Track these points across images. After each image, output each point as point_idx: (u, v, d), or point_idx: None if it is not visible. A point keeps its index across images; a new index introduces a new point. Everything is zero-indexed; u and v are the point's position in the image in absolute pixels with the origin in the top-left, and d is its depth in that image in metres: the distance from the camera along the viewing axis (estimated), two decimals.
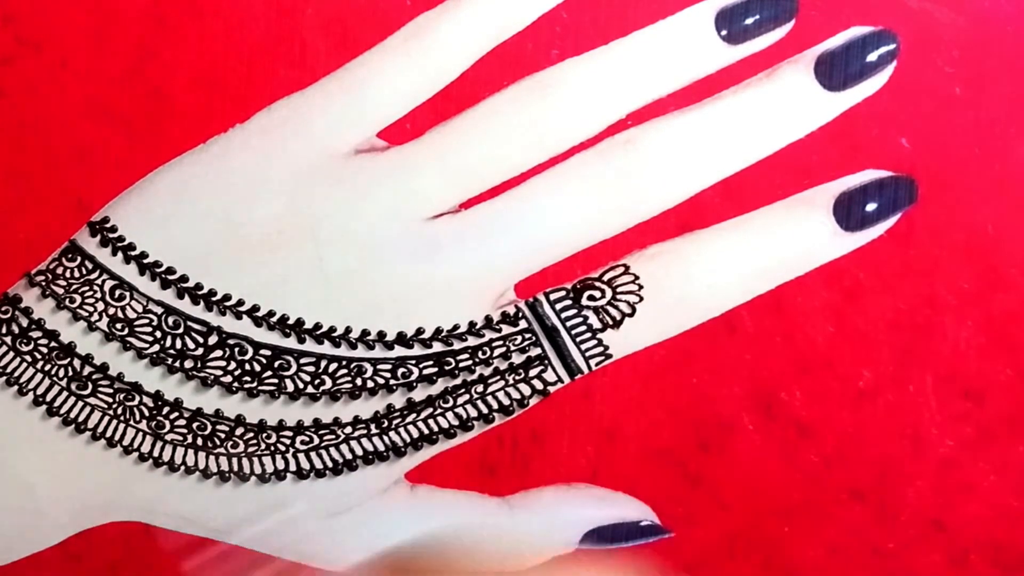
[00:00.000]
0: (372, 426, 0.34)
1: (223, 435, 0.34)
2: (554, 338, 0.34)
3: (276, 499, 0.35)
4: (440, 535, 0.35)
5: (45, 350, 0.34)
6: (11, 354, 0.34)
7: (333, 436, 0.34)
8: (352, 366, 0.34)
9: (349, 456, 0.35)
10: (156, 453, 0.34)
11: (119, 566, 0.35)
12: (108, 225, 0.34)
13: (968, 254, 0.35)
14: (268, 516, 0.35)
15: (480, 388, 0.34)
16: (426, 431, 0.35)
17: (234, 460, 0.34)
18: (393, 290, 0.34)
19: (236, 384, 0.34)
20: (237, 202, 0.34)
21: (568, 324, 0.34)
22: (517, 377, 0.34)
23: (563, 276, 0.34)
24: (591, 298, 0.34)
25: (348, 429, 0.34)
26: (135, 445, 0.34)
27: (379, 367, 0.34)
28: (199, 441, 0.34)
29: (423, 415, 0.35)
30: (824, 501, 0.35)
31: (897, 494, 0.35)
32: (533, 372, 0.34)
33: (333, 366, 0.34)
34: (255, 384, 0.34)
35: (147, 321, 0.34)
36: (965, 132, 0.35)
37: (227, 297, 0.34)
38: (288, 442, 0.34)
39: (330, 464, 0.35)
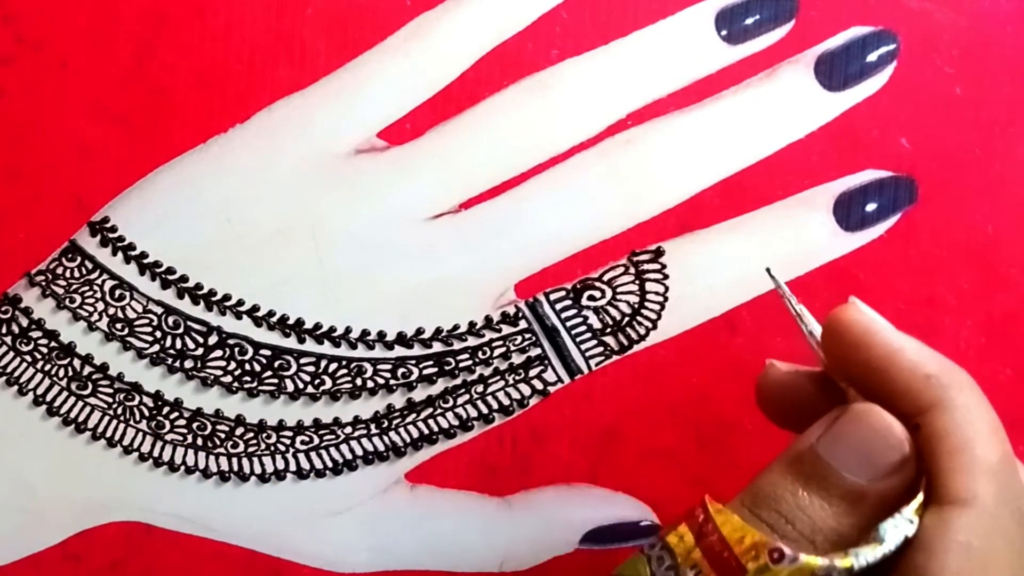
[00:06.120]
0: (372, 426, 0.34)
1: (223, 435, 0.34)
2: (554, 338, 0.34)
3: (276, 499, 0.35)
4: (440, 535, 0.35)
5: (45, 350, 0.34)
6: (11, 354, 0.34)
7: (333, 436, 0.34)
8: (352, 366, 0.34)
9: (349, 456, 0.35)
10: (156, 453, 0.34)
11: (119, 566, 0.35)
12: (108, 225, 0.34)
13: (968, 254, 0.35)
14: (268, 516, 0.35)
15: (480, 388, 0.34)
16: (426, 431, 0.35)
17: (234, 460, 0.34)
18: (393, 290, 0.34)
19: (236, 384, 0.34)
20: (237, 202, 0.34)
21: (568, 324, 0.34)
22: (517, 377, 0.34)
23: (563, 276, 0.34)
24: (591, 298, 0.34)
25: (348, 429, 0.34)
26: (135, 445, 0.34)
27: (379, 367, 0.34)
28: (199, 441, 0.34)
29: (423, 415, 0.35)
30: None
31: None
32: (533, 372, 0.34)
33: (333, 366, 0.34)
34: (255, 384, 0.34)
35: (147, 321, 0.34)
36: (965, 132, 0.35)
37: (227, 297, 0.34)
38: (288, 442, 0.34)
39: (330, 464, 0.35)
